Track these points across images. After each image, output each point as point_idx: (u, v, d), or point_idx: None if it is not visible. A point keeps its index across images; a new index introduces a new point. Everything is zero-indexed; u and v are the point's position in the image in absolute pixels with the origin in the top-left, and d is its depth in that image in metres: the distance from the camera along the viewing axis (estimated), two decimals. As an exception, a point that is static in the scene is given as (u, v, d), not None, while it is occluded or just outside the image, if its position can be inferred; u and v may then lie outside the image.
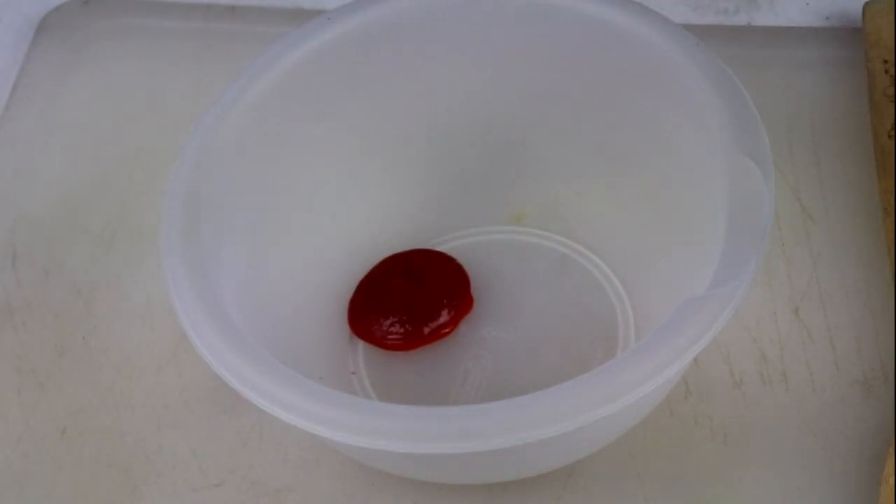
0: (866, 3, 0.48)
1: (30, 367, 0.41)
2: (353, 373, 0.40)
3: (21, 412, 0.40)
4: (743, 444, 0.37)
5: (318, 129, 0.39)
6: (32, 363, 0.41)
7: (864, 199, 0.43)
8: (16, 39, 0.53)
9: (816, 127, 0.45)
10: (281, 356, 0.31)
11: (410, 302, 0.41)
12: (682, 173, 0.37)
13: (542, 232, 0.43)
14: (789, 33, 0.49)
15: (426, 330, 0.40)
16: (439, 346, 0.40)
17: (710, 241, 0.32)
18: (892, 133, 0.43)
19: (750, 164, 0.32)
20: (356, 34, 0.38)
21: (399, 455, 0.32)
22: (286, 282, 0.39)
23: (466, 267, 0.42)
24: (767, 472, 0.37)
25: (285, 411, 0.29)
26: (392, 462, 0.34)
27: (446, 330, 0.40)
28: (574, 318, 0.40)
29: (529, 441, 0.28)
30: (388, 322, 0.40)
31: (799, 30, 0.50)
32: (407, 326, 0.40)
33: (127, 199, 0.46)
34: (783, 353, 0.39)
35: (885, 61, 0.45)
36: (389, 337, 0.40)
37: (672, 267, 0.38)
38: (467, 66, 0.40)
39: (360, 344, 0.41)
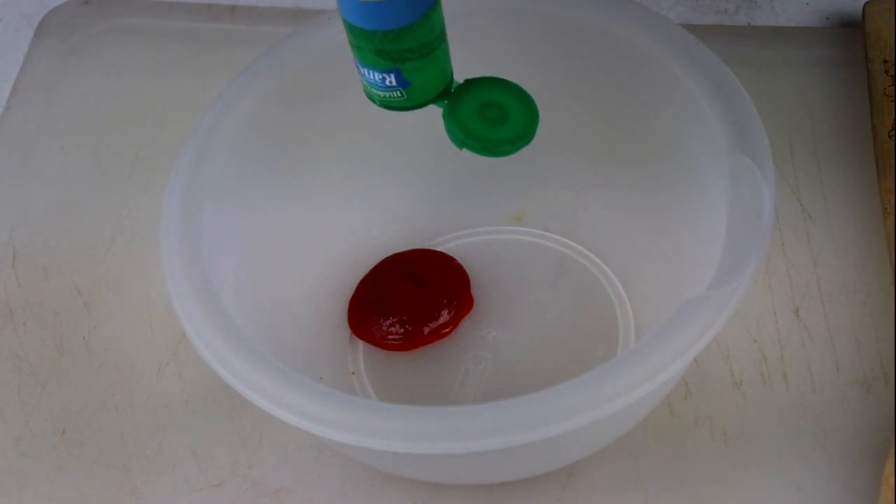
0: (866, 3, 0.48)
1: (30, 367, 0.41)
2: (353, 373, 0.40)
3: (21, 412, 0.40)
4: (743, 444, 0.37)
5: (318, 129, 0.39)
6: (32, 363, 0.41)
7: (864, 199, 0.43)
8: (16, 39, 0.53)
9: (816, 127, 0.45)
10: (281, 356, 0.31)
11: (410, 302, 0.41)
12: (682, 173, 0.37)
13: (542, 232, 0.43)
14: (789, 33, 0.49)
15: (426, 330, 0.40)
16: (439, 346, 0.40)
17: (710, 241, 0.32)
18: (893, 133, 0.43)
19: (750, 163, 0.32)
20: (356, 34, 0.38)
21: (399, 455, 0.32)
22: (286, 282, 0.39)
23: (466, 267, 0.42)
24: (767, 472, 0.37)
25: (285, 411, 0.29)
26: (392, 462, 0.34)
27: (446, 330, 0.40)
28: (574, 318, 0.40)
29: (529, 441, 0.28)
30: (387, 322, 0.40)
31: (799, 30, 0.50)
32: (407, 327, 0.40)
33: (127, 199, 0.46)
34: (783, 353, 0.39)
35: (885, 61, 0.45)
36: (389, 337, 0.40)
37: (672, 267, 0.38)
38: (467, 67, 0.40)
39: (360, 344, 0.41)
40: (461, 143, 0.32)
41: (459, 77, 0.33)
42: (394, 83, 0.30)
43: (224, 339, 0.31)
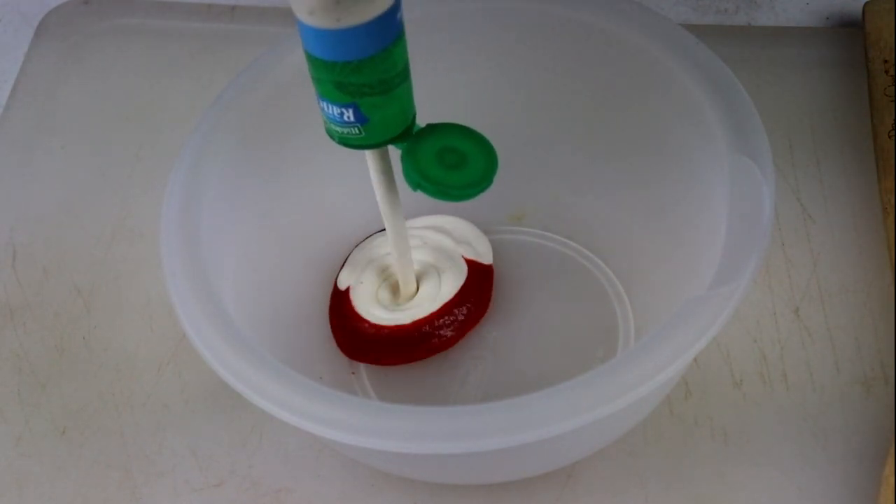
0: (866, 3, 0.48)
1: (30, 367, 0.41)
2: (353, 373, 0.40)
3: (21, 412, 0.40)
4: (743, 444, 0.37)
5: (318, 129, 0.39)
6: (32, 363, 0.41)
7: (864, 199, 0.43)
8: (16, 39, 0.53)
9: (816, 127, 0.45)
10: (281, 356, 0.31)
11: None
12: (682, 173, 0.37)
13: (542, 232, 0.43)
14: (789, 33, 0.49)
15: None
16: (439, 346, 0.40)
17: (710, 241, 0.32)
18: (892, 133, 0.43)
19: (750, 163, 0.32)
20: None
21: (399, 455, 0.32)
22: (286, 282, 0.39)
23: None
24: (767, 472, 0.37)
25: (285, 411, 0.29)
26: (392, 462, 0.34)
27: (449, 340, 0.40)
28: (574, 318, 0.40)
29: (529, 441, 0.28)
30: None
31: (799, 30, 0.50)
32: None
33: (127, 199, 0.46)
34: (783, 353, 0.39)
35: (886, 61, 0.45)
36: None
37: (672, 267, 0.38)
38: (467, 68, 0.40)
39: (360, 344, 0.41)
40: (415, 184, 0.32)
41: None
42: (352, 119, 0.30)
43: (224, 339, 0.31)
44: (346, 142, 0.31)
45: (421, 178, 0.31)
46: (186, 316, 0.31)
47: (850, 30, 0.49)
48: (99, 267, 0.44)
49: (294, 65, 0.37)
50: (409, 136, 0.32)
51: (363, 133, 0.30)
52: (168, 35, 0.52)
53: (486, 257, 0.41)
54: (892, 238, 0.40)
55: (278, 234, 0.39)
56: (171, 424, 0.39)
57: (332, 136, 0.31)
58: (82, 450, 0.39)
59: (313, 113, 0.39)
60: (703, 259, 0.33)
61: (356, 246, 0.42)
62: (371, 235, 0.42)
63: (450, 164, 0.32)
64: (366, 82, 0.29)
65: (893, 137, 0.42)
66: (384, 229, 0.37)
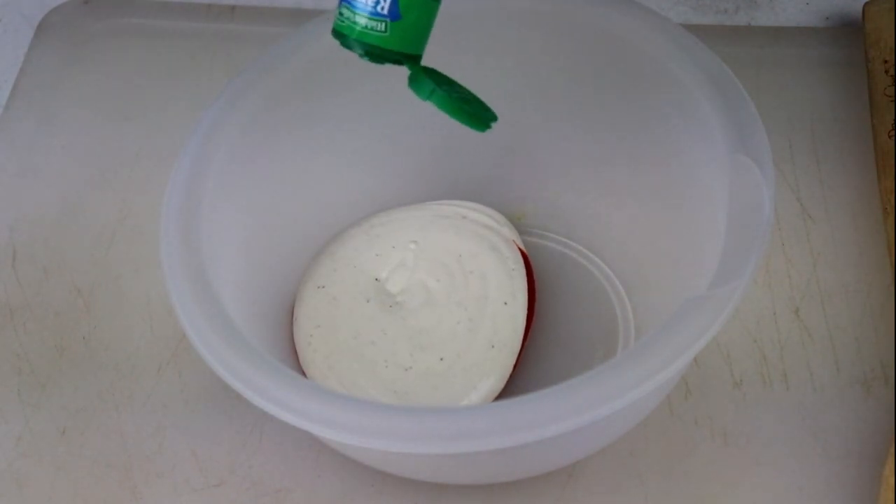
0: (866, 3, 0.48)
1: (30, 367, 0.41)
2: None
3: (21, 412, 0.40)
4: (743, 444, 0.37)
5: (318, 130, 0.39)
6: (32, 363, 0.41)
7: (864, 199, 0.43)
8: (16, 39, 0.53)
9: (816, 127, 0.45)
10: (281, 357, 0.31)
11: None
12: (682, 173, 0.37)
13: (543, 232, 0.43)
14: (789, 33, 0.49)
15: None
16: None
17: (710, 241, 0.32)
18: (893, 133, 0.43)
19: (750, 163, 0.32)
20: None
21: (399, 455, 0.32)
22: (286, 282, 0.39)
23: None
24: (767, 472, 0.37)
25: (285, 411, 0.29)
26: (392, 462, 0.34)
27: None
28: (574, 318, 0.40)
29: (529, 441, 0.28)
30: None
31: (799, 30, 0.50)
32: None
33: (127, 199, 0.46)
34: (783, 353, 0.39)
35: (885, 61, 0.45)
36: None
37: (672, 267, 0.38)
38: (467, 68, 0.40)
39: (360, 344, 0.41)
40: (429, 92, 0.31)
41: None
42: (385, 11, 0.29)
43: (224, 339, 0.31)
44: (363, 38, 0.30)
45: (435, 85, 0.30)
46: (186, 316, 0.31)
47: (850, 30, 0.49)
48: (99, 267, 0.44)
49: (293, 65, 0.37)
50: (417, 63, 0.31)
51: (387, 32, 0.29)
52: (168, 35, 0.52)
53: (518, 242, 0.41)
54: (892, 238, 0.40)
55: (278, 234, 0.39)
56: (171, 424, 0.39)
57: (347, 34, 0.30)
58: (82, 450, 0.39)
59: (313, 113, 0.39)
60: (703, 259, 0.33)
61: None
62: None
63: (456, 97, 0.31)
64: None
65: (893, 137, 0.42)
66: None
